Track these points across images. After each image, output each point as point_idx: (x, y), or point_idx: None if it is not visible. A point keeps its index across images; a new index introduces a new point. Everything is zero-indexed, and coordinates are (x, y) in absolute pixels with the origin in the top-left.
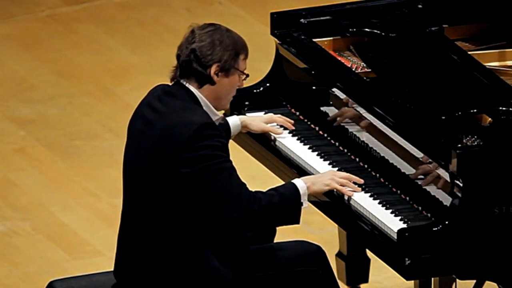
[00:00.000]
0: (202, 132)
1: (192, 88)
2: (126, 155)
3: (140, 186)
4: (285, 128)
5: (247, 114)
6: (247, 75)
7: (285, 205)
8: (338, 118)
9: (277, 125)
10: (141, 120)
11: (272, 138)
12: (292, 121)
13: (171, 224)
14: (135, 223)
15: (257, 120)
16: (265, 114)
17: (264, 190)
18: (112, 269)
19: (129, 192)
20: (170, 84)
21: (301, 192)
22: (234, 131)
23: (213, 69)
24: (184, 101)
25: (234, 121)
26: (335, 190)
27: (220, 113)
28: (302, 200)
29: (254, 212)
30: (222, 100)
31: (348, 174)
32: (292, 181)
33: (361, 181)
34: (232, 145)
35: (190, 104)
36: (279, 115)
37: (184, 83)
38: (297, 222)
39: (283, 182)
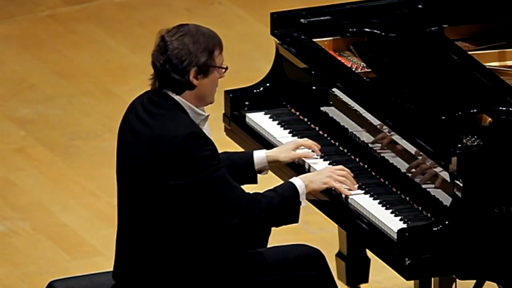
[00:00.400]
0: (188, 143)
1: (173, 96)
2: (118, 162)
3: (134, 194)
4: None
5: (247, 114)
6: (226, 68)
7: (285, 206)
8: (341, 119)
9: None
10: (128, 131)
11: (307, 167)
12: (319, 146)
13: (166, 232)
14: (131, 229)
15: (285, 149)
16: (265, 114)
17: (262, 191)
18: (111, 269)
19: (124, 199)
20: (153, 91)
21: (300, 191)
22: (259, 165)
23: (191, 74)
24: (167, 110)
25: (259, 155)
26: (333, 188)
27: (210, 109)
28: (301, 199)
29: (255, 216)
30: (206, 98)
31: (346, 171)
32: (291, 180)
33: (355, 182)
34: (231, 144)
35: (174, 113)
36: (305, 139)
37: (165, 91)
38: (297, 221)
39: (282, 182)
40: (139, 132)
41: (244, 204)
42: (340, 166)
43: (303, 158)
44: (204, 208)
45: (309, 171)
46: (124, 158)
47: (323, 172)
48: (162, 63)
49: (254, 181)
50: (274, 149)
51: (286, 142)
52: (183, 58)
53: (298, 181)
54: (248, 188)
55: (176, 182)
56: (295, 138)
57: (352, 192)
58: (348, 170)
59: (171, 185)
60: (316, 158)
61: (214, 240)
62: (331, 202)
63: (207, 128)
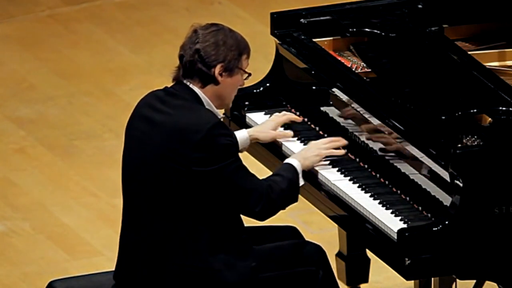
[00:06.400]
0: (215, 131)
1: (195, 88)
2: (127, 157)
3: (145, 186)
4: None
5: (247, 114)
6: (250, 74)
7: (291, 188)
8: (341, 119)
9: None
10: (143, 122)
11: (279, 144)
12: (298, 118)
13: (177, 222)
14: (139, 224)
15: (265, 128)
16: (265, 114)
17: (268, 177)
18: (111, 269)
19: (132, 194)
20: (171, 84)
21: (298, 171)
22: (242, 145)
23: (217, 69)
24: (187, 101)
25: (242, 135)
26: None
27: (221, 112)
28: (300, 179)
29: (272, 202)
30: (225, 100)
31: (329, 138)
32: (288, 161)
33: (345, 142)
34: None
35: (194, 104)
36: (283, 113)
37: (187, 83)
38: (297, 201)
39: (281, 164)
40: (157, 122)
41: (264, 191)
42: (327, 139)
43: (281, 140)
44: (226, 196)
45: (283, 149)
46: (138, 150)
47: (310, 148)
48: (191, 53)
49: None
50: (255, 128)
51: (266, 120)
52: (213, 52)
53: (295, 161)
54: None
55: (199, 168)
56: (275, 114)
57: (355, 194)
58: (334, 139)
59: (193, 171)
60: (293, 141)
61: (222, 236)
62: (331, 203)
63: None
